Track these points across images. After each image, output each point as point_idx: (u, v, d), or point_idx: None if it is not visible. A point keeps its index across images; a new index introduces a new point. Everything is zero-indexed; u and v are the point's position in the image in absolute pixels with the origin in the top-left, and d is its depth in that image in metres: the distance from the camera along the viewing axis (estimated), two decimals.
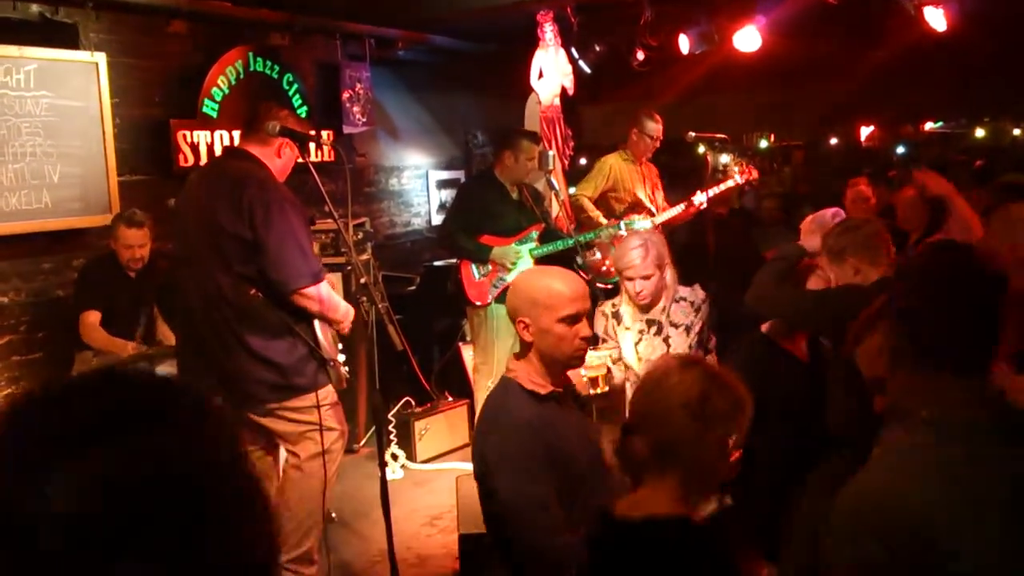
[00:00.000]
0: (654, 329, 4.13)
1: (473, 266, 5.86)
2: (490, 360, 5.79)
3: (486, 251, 5.79)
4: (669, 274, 4.13)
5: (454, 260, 6.09)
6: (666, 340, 4.09)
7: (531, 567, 2.68)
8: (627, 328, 4.18)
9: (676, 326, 4.10)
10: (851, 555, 1.69)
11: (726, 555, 2.07)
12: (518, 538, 2.68)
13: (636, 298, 4.08)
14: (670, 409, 2.07)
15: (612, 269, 4.84)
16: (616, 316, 4.22)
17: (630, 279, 4.06)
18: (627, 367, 4.13)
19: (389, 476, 3.34)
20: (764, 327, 4.00)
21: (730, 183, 6.72)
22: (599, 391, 3.67)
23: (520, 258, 5.80)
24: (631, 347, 4.15)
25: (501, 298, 5.75)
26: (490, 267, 5.82)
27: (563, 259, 6.25)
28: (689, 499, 2.08)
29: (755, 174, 6.70)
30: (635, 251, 4.02)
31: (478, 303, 5.83)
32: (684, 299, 4.16)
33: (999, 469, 1.65)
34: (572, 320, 2.76)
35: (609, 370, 3.76)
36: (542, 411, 2.76)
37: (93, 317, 5.06)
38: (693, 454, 2.06)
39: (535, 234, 5.88)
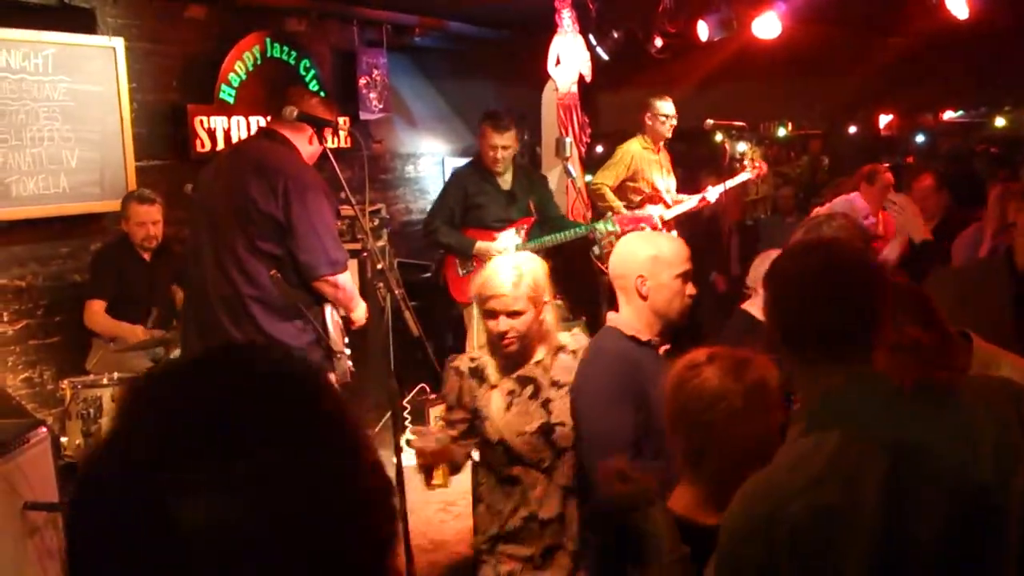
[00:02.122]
0: (529, 390, 3.11)
1: (458, 262, 5.67)
2: None
3: (469, 245, 5.58)
4: (550, 315, 3.16)
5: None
6: (546, 405, 3.07)
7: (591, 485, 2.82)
8: (492, 387, 3.15)
9: (559, 385, 3.08)
10: (735, 553, 1.69)
11: None
12: (580, 456, 2.93)
13: (500, 342, 3.08)
14: (689, 416, 2.09)
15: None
16: (476, 374, 3.18)
17: (493, 313, 3.06)
18: (494, 441, 3.10)
19: (404, 462, 3.34)
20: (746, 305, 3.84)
21: (743, 177, 6.70)
22: (437, 485, 3.09)
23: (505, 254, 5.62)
24: (499, 414, 3.10)
25: None
26: (474, 264, 5.62)
27: (578, 249, 6.22)
28: (710, 502, 2.08)
29: (764, 169, 6.70)
30: (504, 274, 3.06)
31: (460, 302, 5.63)
32: (566, 348, 3.19)
33: (879, 440, 1.64)
34: (686, 277, 2.95)
35: (448, 455, 3.06)
36: (639, 355, 2.90)
37: (98, 306, 5.06)
38: (721, 456, 2.08)
39: (523, 228, 5.67)
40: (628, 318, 2.96)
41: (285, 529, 0.77)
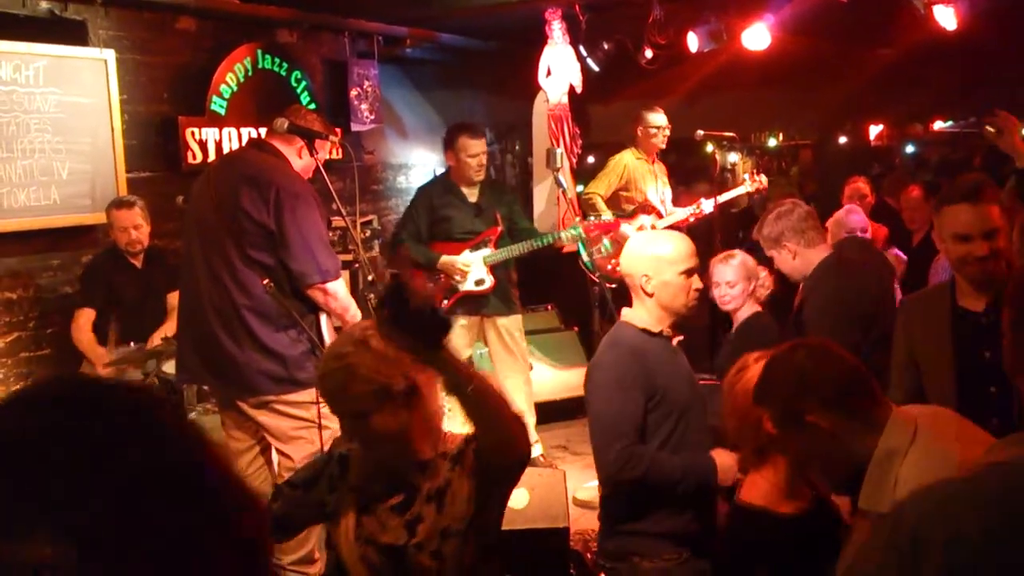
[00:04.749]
0: (397, 500, 2.38)
1: (425, 276, 5.65)
2: None
3: (434, 259, 5.57)
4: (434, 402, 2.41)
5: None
6: (412, 525, 2.34)
7: (598, 465, 3.07)
8: (351, 489, 2.45)
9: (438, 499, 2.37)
10: None
11: (812, 550, 2.13)
12: (593, 438, 3.07)
13: None
14: (739, 416, 2.20)
15: (617, 268, 4.63)
16: (343, 463, 2.48)
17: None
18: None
19: None
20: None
21: (740, 190, 6.71)
22: None
23: (471, 267, 5.60)
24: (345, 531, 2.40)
25: (452, 309, 5.60)
26: (440, 277, 5.63)
27: (567, 258, 6.22)
28: (782, 493, 2.17)
29: (764, 182, 6.69)
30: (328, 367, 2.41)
31: None
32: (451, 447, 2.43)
33: None
34: (690, 272, 3.12)
35: None
36: (650, 345, 3.10)
37: (84, 316, 5.09)
38: (794, 447, 2.17)
39: (490, 239, 5.67)
40: (639, 313, 3.17)
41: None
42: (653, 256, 3.13)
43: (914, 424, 2.07)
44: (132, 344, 5.10)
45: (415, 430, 2.34)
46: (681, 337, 3.25)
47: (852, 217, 5.72)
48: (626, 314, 3.23)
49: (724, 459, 2.96)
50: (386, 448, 2.36)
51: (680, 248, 3.16)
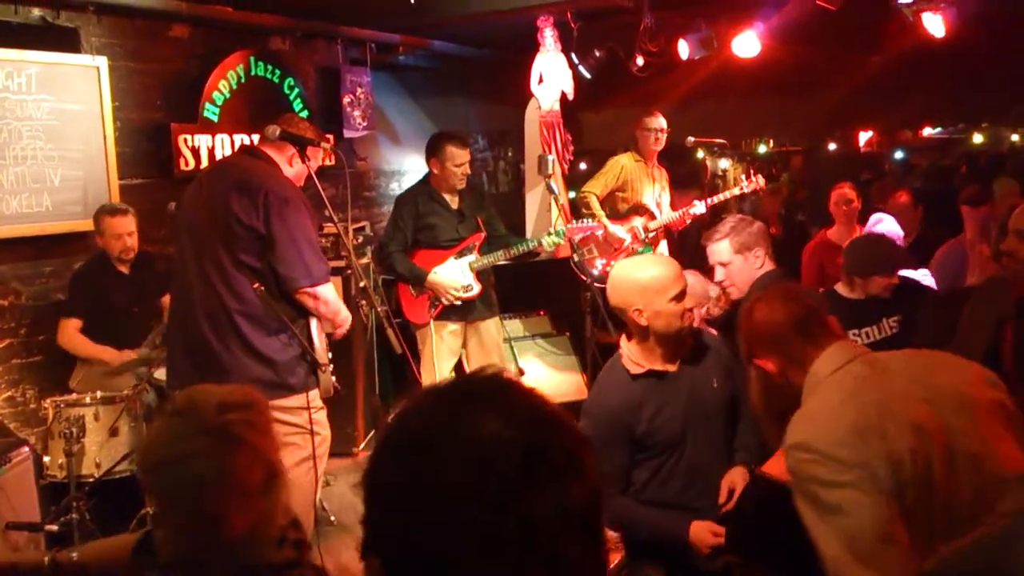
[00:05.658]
0: None
1: (410, 284, 5.64)
2: (434, 378, 5.49)
3: (422, 276, 5.51)
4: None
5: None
6: None
7: None
8: None
9: None
10: None
11: None
12: None
13: None
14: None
15: (607, 269, 4.59)
16: None
17: None
18: None
19: None
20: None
21: (736, 191, 6.73)
22: None
23: (460, 275, 5.55)
24: None
25: (440, 316, 5.58)
26: (428, 289, 5.56)
27: (559, 262, 6.23)
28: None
29: (762, 182, 6.67)
30: None
31: (414, 323, 5.60)
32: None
33: None
34: (680, 296, 3.06)
35: None
36: (634, 390, 3.09)
37: (72, 325, 5.06)
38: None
39: (475, 245, 5.63)
40: (632, 348, 3.15)
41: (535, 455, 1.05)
42: (641, 287, 3.06)
43: (852, 354, 2.14)
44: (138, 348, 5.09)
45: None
46: (677, 363, 3.17)
47: (880, 228, 5.71)
48: (623, 348, 3.21)
49: (699, 530, 2.97)
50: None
51: (667, 274, 3.09)
